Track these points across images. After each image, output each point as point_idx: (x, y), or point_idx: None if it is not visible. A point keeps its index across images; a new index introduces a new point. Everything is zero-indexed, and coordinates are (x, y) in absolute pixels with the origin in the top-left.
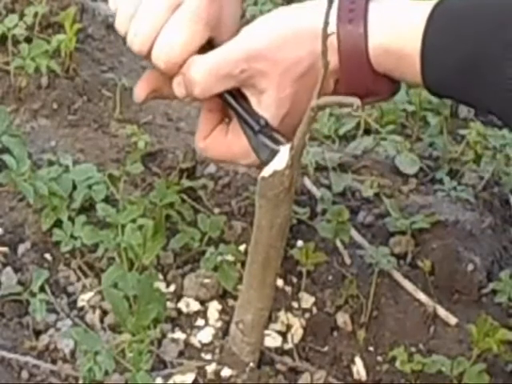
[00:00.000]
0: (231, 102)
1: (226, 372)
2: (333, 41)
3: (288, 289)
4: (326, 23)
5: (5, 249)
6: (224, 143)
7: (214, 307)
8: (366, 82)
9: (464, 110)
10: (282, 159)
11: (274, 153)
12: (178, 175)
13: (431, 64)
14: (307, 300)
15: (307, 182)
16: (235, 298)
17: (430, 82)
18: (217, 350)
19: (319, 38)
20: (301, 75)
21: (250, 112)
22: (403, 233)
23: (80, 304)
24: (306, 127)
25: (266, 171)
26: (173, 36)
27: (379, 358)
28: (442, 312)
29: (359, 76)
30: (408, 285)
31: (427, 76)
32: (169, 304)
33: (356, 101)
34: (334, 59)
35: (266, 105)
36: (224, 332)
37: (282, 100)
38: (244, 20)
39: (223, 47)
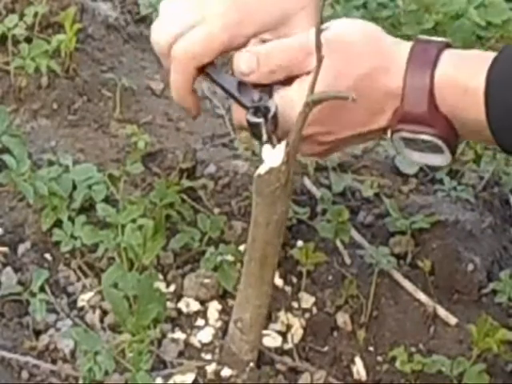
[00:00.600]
0: (225, 87)
1: (225, 372)
2: (401, 66)
3: (288, 289)
4: (320, 18)
5: (5, 249)
6: None
7: (213, 307)
8: (424, 109)
9: None
10: (277, 156)
11: (256, 126)
12: (178, 175)
13: (495, 100)
14: (307, 300)
15: (307, 182)
16: (235, 297)
17: (494, 121)
18: (217, 350)
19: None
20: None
21: (244, 90)
22: (403, 233)
23: (80, 304)
24: (302, 123)
25: (262, 168)
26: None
27: (379, 358)
28: (442, 312)
29: (419, 102)
30: (408, 285)
31: (491, 112)
32: (169, 304)
33: (351, 94)
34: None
35: None
36: (224, 332)
37: None
38: None
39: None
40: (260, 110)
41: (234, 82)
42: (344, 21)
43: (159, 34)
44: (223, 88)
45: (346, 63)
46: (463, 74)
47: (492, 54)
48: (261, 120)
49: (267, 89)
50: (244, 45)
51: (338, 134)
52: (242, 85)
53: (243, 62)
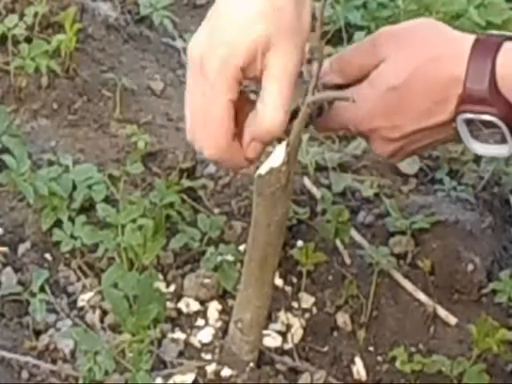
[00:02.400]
0: None
1: (225, 372)
2: (464, 55)
3: (288, 289)
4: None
5: (5, 249)
6: None
7: (214, 307)
8: (486, 90)
9: None
10: (278, 156)
11: None
12: (178, 175)
13: None
14: (307, 300)
15: (307, 182)
16: (235, 297)
17: None
18: (217, 350)
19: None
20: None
21: None
22: (403, 233)
23: (80, 304)
24: (302, 123)
25: (263, 169)
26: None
27: (379, 358)
28: (442, 312)
29: (481, 82)
30: (408, 285)
31: None
32: (169, 304)
33: (351, 95)
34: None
35: None
36: (224, 332)
37: None
38: None
39: None
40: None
41: None
42: (411, 20)
43: None
44: None
45: (409, 50)
46: None
47: None
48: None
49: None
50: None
51: (404, 129)
52: None
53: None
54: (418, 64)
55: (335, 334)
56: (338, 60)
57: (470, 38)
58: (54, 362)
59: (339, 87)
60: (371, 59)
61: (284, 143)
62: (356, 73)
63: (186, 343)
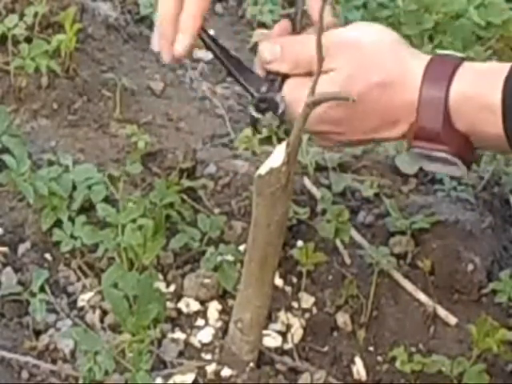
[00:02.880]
0: (233, 72)
1: (225, 372)
2: (417, 80)
3: (288, 289)
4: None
5: (5, 249)
6: None
7: (214, 307)
8: (439, 127)
9: None
10: (278, 156)
11: (255, 120)
12: (178, 175)
13: None
14: (307, 300)
15: (307, 182)
16: (235, 298)
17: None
18: (217, 350)
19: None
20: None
21: (252, 79)
22: (403, 233)
23: (80, 304)
24: (302, 124)
25: (263, 169)
26: None
27: (379, 358)
28: (441, 312)
29: (434, 119)
30: (408, 285)
31: (509, 123)
32: (169, 304)
33: (351, 95)
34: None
35: None
36: (224, 332)
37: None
38: (244, 20)
39: None
40: (265, 101)
41: (236, 63)
42: (363, 24)
43: None
44: (226, 65)
45: (361, 68)
46: (479, 91)
47: (507, 66)
48: (259, 116)
49: (277, 83)
50: None
51: (351, 136)
52: (246, 71)
53: (267, 50)
54: (371, 86)
55: (335, 334)
56: (290, 52)
57: (423, 62)
58: (53, 362)
59: (285, 76)
60: (325, 67)
61: (284, 143)
62: (302, 70)
63: (186, 343)
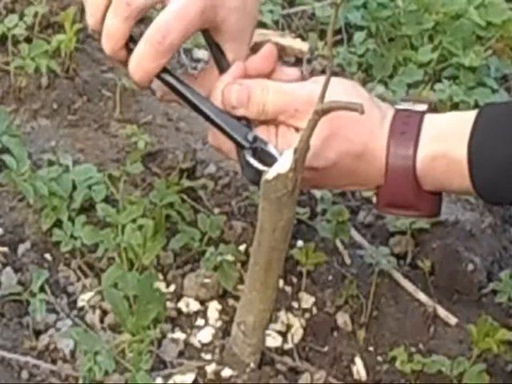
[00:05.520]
0: (215, 120)
1: (226, 372)
2: (382, 147)
3: (288, 289)
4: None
5: (5, 249)
6: None
7: (213, 307)
8: (409, 196)
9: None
10: (285, 162)
11: (259, 173)
12: (178, 175)
13: (479, 166)
14: (307, 300)
15: None
16: (235, 297)
17: (480, 184)
18: (217, 350)
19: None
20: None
21: (235, 126)
22: (403, 233)
23: (80, 304)
24: (310, 131)
25: (270, 174)
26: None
27: (379, 358)
28: (442, 312)
29: (403, 188)
30: (408, 285)
31: (476, 178)
32: (169, 304)
33: (360, 106)
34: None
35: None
36: (224, 332)
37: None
38: None
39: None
40: (260, 152)
41: (209, 104)
42: (336, 81)
43: None
44: (204, 112)
45: (333, 140)
46: (445, 147)
47: (472, 116)
48: (265, 168)
49: (251, 125)
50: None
51: (323, 187)
52: (221, 114)
53: (234, 95)
54: (341, 155)
55: (335, 334)
56: (258, 100)
57: (387, 126)
58: (53, 362)
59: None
60: (291, 120)
61: (291, 150)
62: (270, 119)
63: (186, 343)
